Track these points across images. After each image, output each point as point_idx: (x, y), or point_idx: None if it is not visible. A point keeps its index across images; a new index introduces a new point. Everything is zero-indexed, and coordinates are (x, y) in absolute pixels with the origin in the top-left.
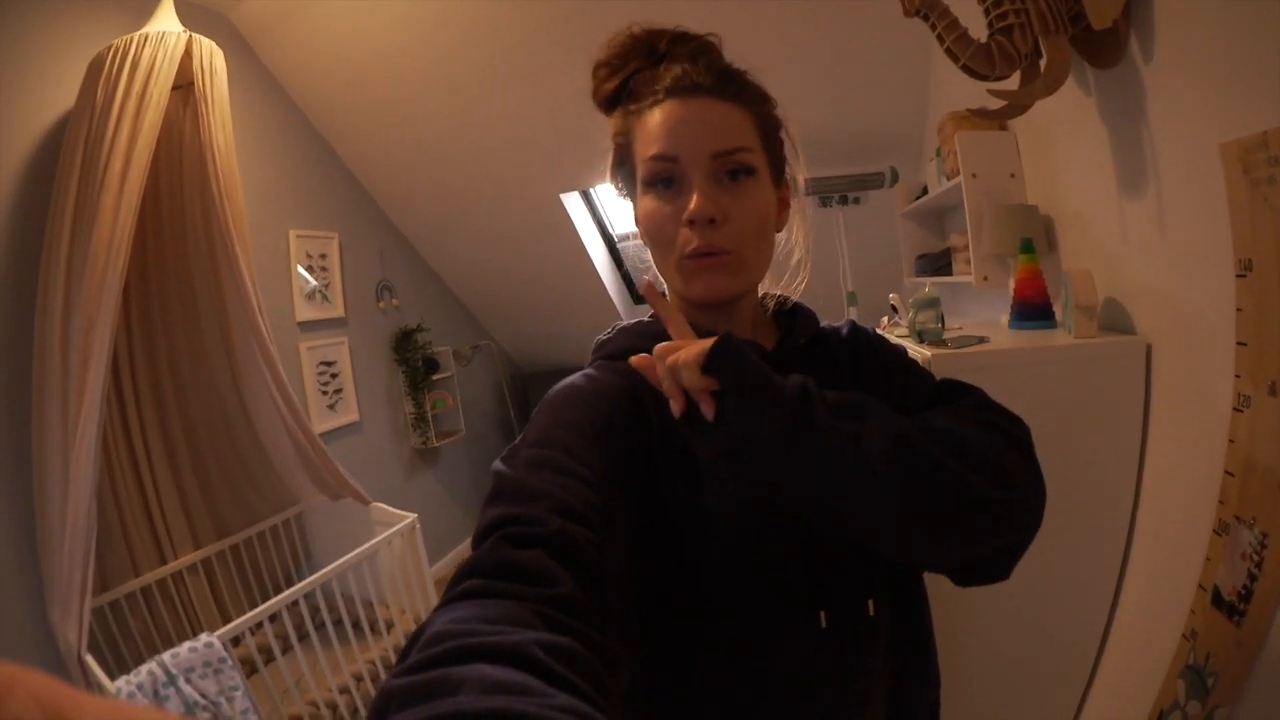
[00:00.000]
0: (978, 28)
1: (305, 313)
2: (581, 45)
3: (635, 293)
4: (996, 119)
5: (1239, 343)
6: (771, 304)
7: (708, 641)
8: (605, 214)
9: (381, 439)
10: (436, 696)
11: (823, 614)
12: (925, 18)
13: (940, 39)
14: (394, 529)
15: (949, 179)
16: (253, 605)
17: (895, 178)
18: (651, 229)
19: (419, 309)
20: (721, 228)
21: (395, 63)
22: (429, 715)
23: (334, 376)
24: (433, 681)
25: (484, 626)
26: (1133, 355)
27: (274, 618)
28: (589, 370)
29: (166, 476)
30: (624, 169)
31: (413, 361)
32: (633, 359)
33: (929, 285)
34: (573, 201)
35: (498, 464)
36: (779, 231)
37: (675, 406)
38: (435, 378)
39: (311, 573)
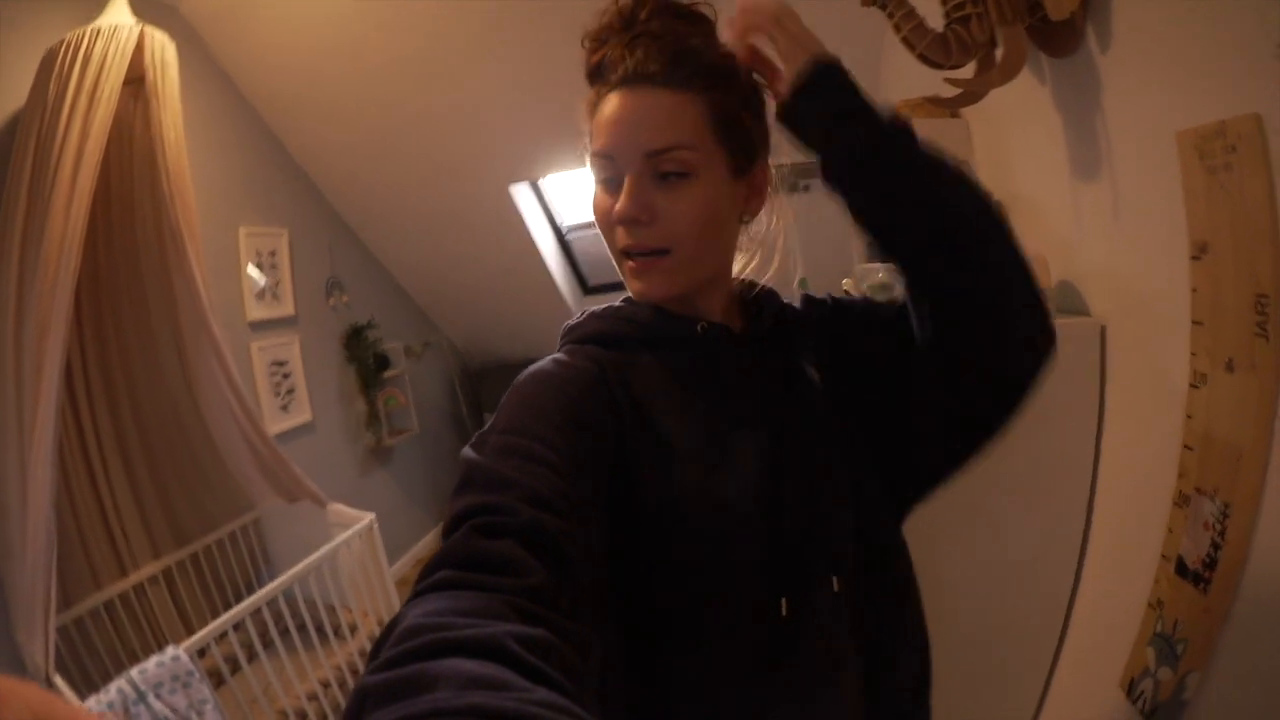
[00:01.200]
0: (934, 17)
1: (256, 312)
2: (530, 36)
3: (585, 285)
4: (951, 107)
5: (1194, 322)
6: (737, 288)
7: (671, 629)
8: (554, 206)
9: (335, 439)
10: (413, 693)
11: (783, 601)
12: (882, 7)
13: (897, 28)
14: (352, 530)
15: None
16: (215, 614)
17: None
18: (596, 220)
19: (369, 305)
20: (651, 227)
21: (345, 54)
22: (406, 714)
23: (286, 377)
24: (408, 678)
25: (457, 619)
26: (1087, 336)
27: (238, 626)
28: (558, 355)
29: (123, 485)
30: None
31: (364, 359)
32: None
33: (882, 271)
34: (522, 193)
35: (467, 450)
36: (749, 220)
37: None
38: (386, 375)
39: (271, 578)
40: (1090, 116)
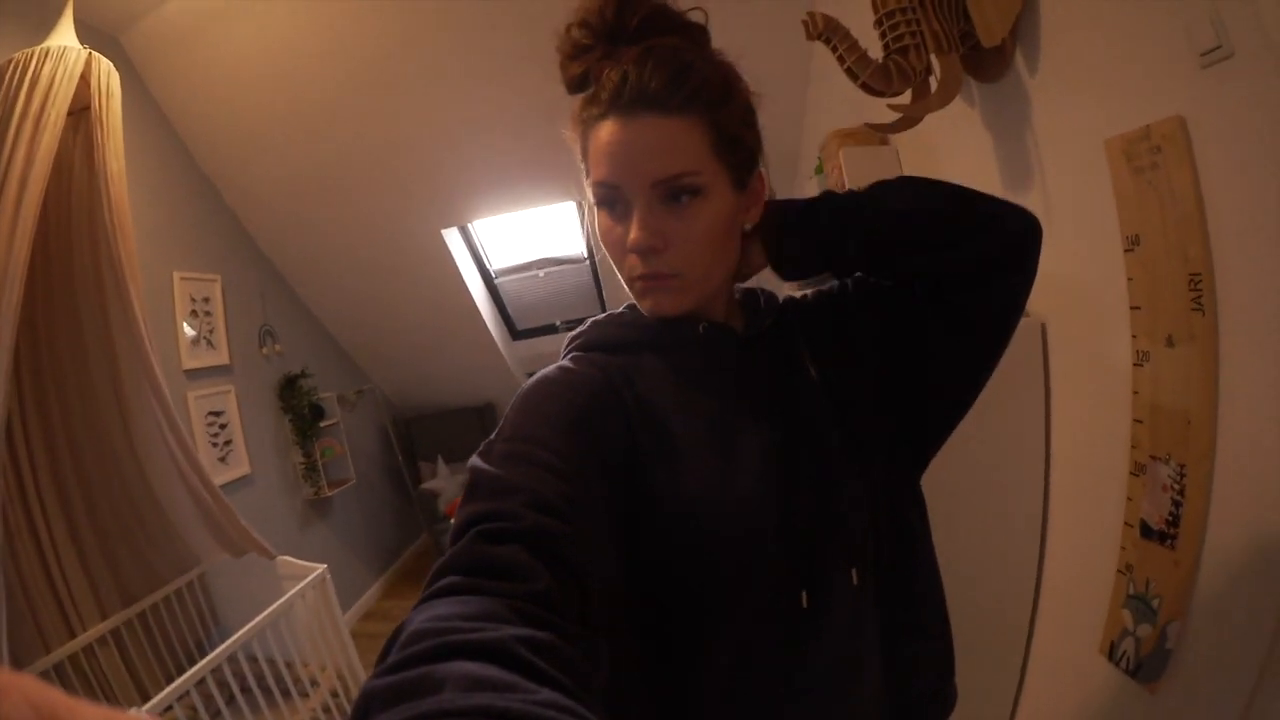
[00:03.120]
0: (874, 49)
1: (191, 361)
2: (463, 79)
3: (514, 330)
4: (890, 132)
5: (1133, 307)
6: (737, 290)
7: (689, 627)
8: (483, 250)
9: (273, 491)
10: (419, 695)
11: (804, 594)
12: (827, 41)
13: (841, 60)
14: (306, 581)
15: None
16: (166, 674)
17: (772, 195)
18: (605, 246)
19: (302, 354)
20: (665, 252)
21: (280, 98)
22: (412, 715)
23: (223, 427)
24: (415, 680)
25: (463, 624)
26: (1029, 334)
27: (200, 683)
28: (563, 363)
29: (67, 543)
30: (585, 174)
31: (299, 409)
32: None
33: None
34: (452, 237)
35: (474, 459)
36: (749, 227)
37: None
38: (322, 425)
39: (221, 636)
40: (1020, 133)
